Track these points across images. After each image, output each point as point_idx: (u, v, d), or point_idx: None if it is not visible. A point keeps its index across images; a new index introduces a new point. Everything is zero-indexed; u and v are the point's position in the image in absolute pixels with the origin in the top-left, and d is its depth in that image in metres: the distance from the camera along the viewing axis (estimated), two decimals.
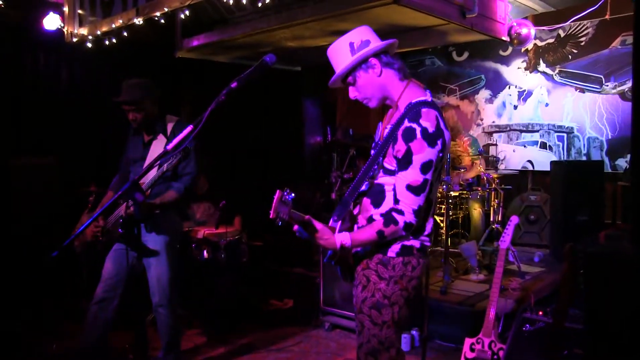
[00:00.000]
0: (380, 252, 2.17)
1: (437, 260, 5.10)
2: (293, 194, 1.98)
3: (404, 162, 2.04)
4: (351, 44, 2.13)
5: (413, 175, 2.03)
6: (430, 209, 2.23)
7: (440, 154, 2.07)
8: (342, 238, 2.08)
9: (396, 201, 2.07)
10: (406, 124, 2.04)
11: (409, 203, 2.04)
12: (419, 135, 2.01)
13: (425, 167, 2.03)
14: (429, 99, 2.12)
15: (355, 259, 2.23)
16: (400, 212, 2.04)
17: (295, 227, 2.12)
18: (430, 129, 2.01)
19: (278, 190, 1.94)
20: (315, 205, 6.15)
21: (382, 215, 2.11)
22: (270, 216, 1.93)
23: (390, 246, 2.15)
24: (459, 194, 5.40)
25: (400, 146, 2.04)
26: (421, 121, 2.02)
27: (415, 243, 2.17)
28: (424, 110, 2.04)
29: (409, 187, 2.03)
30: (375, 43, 2.15)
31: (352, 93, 2.23)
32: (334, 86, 2.27)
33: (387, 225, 2.04)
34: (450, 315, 4.02)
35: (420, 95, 2.13)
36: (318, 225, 2.08)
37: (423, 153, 2.01)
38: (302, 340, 4.23)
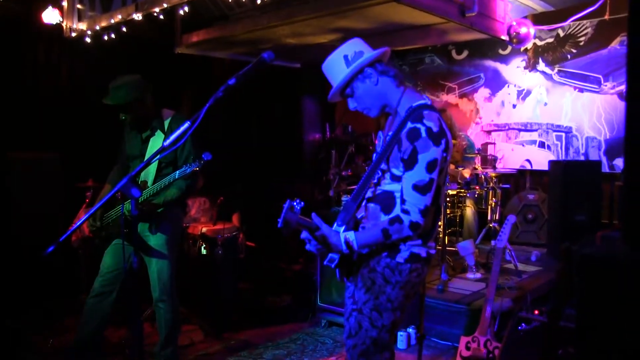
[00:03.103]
0: (388, 257, 2.16)
1: (434, 258, 5.11)
2: (303, 203, 1.99)
3: (410, 162, 2.06)
4: (345, 57, 2.15)
5: (419, 174, 2.04)
6: (439, 214, 2.24)
7: (444, 154, 2.09)
8: (348, 236, 2.08)
9: (402, 201, 2.08)
10: (409, 125, 2.06)
11: (415, 202, 2.05)
12: (424, 134, 2.03)
13: (430, 166, 2.04)
14: (429, 102, 2.16)
15: (359, 260, 2.21)
16: (406, 212, 2.05)
17: (303, 233, 2.12)
18: (435, 128, 2.04)
19: (288, 200, 1.94)
20: (313, 202, 6.15)
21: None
22: (279, 225, 1.94)
23: (400, 252, 2.15)
24: (457, 192, 5.40)
25: (406, 146, 2.06)
26: (425, 121, 2.05)
27: (422, 251, 2.19)
28: (425, 112, 2.08)
29: (415, 187, 2.05)
30: (369, 53, 2.16)
31: (352, 104, 2.25)
32: (334, 100, 2.28)
33: (392, 224, 2.05)
34: (446, 313, 4.03)
35: (419, 99, 2.17)
36: (324, 227, 2.08)
37: (428, 152, 2.03)
38: (299, 337, 4.24)
